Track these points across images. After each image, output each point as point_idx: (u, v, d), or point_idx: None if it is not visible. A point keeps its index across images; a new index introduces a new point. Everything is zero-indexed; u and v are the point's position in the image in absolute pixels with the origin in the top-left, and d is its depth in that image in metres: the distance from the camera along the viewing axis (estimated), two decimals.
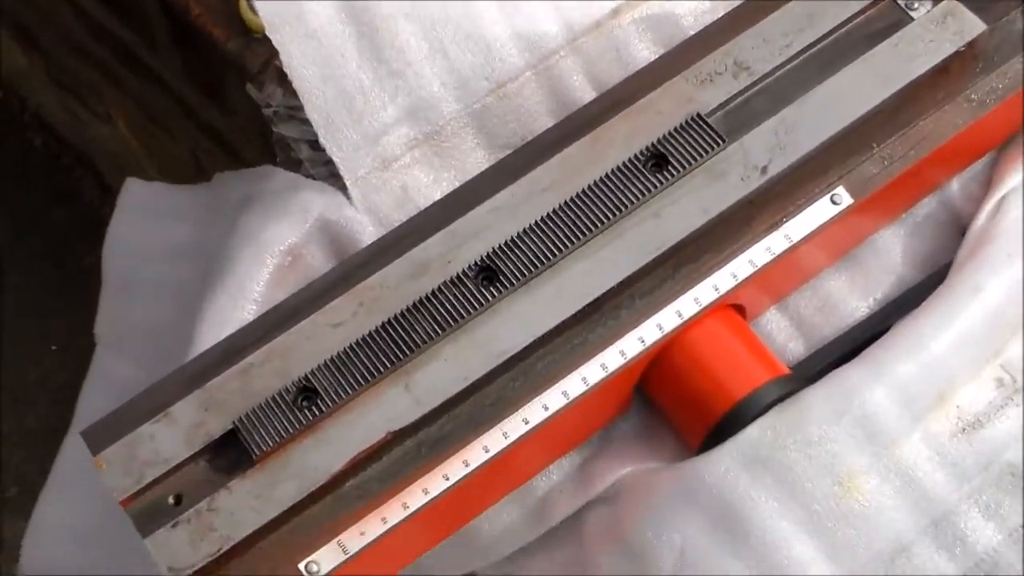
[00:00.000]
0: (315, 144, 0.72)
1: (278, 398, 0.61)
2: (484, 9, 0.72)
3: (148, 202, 0.82)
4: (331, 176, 0.72)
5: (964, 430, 0.63)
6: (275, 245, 0.70)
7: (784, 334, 0.69)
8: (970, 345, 0.64)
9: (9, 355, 1.47)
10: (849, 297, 0.70)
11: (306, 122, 0.72)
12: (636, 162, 0.66)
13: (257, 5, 0.70)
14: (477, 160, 0.72)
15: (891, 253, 0.71)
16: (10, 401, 1.44)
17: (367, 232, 0.71)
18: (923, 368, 0.63)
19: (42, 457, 1.43)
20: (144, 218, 0.83)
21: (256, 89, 0.73)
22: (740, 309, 0.67)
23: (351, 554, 0.60)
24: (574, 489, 0.67)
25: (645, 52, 0.74)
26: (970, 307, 0.64)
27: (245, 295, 0.69)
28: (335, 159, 0.70)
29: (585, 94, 0.73)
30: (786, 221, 0.66)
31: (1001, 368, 0.64)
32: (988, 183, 0.71)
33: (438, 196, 0.70)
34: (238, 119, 0.80)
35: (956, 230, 0.71)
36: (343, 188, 0.71)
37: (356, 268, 0.65)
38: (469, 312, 0.63)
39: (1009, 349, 0.65)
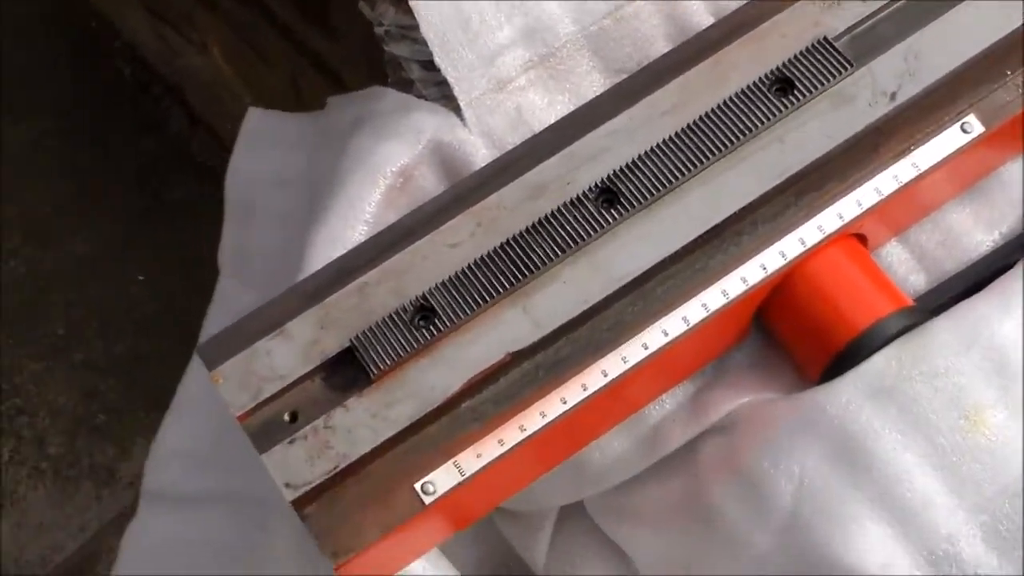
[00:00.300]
0: (427, 64, 0.71)
1: (395, 317, 0.61)
2: None
3: (268, 130, 0.82)
4: (443, 97, 0.71)
5: None
6: (387, 166, 0.69)
7: (905, 266, 0.68)
8: None
9: (97, 284, 1.48)
10: (973, 230, 0.68)
11: (418, 41, 0.71)
12: (760, 86, 0.64)
13: None
14: (592, 84, 0.71)
15: (1018, 186, 0.68)
16: (99, 328, 1.46)
17: (480, 154, 0.70)
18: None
19: (128, 385, 1.46)
20: (264, 146, 0.83)
21: (368, 7, 0.72)
22: (862, 239, 0.65)
23: (467, 476, 0.59)
24: (688, 418, 0.66)
25: None
26: None
27: (356, 216, 0.69)
28: (449, 79, 0.69)
29: (704, 19, 0.71)
30: (914, 149, 0.64)
31: None
32: None
33: (553, 119, 0.69)
34: (343, 43, 0.79)
35: None
36: (456, 109, 0.70)
37: (472, 189, 0.64)
38: (589, 234, 0.62)
39: None
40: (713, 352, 0.66)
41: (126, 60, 1.53)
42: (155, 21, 1.27)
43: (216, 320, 0.84)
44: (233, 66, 1.14)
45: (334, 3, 0.76)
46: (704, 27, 0.70)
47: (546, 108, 0.70)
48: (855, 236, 0.65)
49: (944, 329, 0.61)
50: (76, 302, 1.46)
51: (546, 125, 0.69)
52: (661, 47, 0.71)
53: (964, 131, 0.64)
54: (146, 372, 1.44)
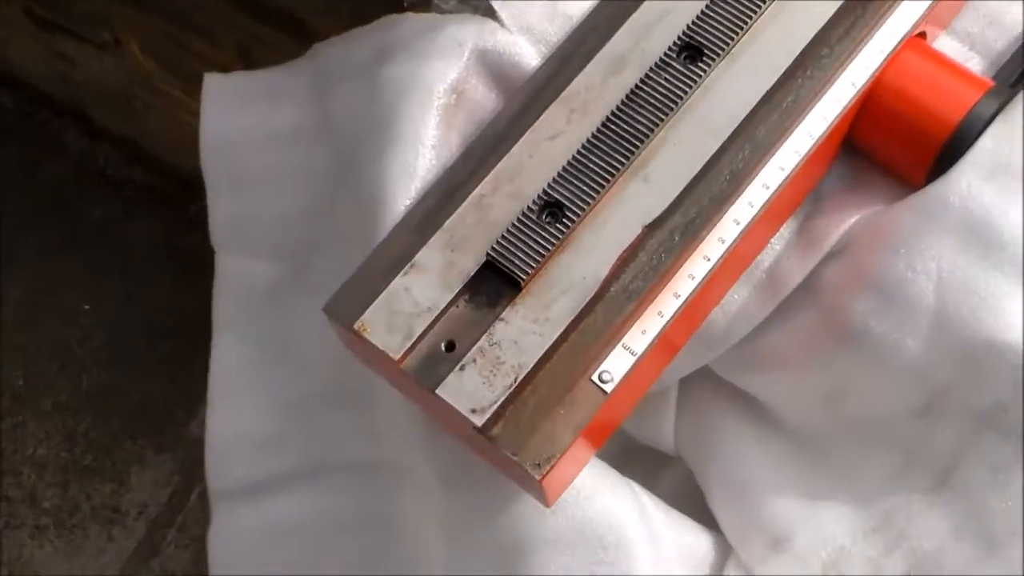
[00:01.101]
0: None
1: (523, 219, 0.60)
2: None
3: (236, 93, 0.78)
4: (466, 6, 0.69)
5: None
6: (438, 85, 0.67)
7: (960, 55, 0.69)
8: None
9: (44, 324, 1.42)
10: (1009, 6, 0.69)
11: None
12: None
13: None
14: None
15: None
16: (59, 368, 1.40)
17: (526, 53, 0.68)
18: None
19: (106, 418, 1.40)
20: (237, 111, 0.78)
21: None
22: (923, 37, 0.67)
23: (638, 355, 0.59)
24: (801, 252, 0.66)
25: None
26: None
27: (423, 141, 0.66)
28: None
29: None
30: None
31: None
32: None
33: (587, 3, 0.68)
34: None
35: None
36: (490, 12, 0.68)
37: (547, 81, 0.63)
38: (685, 92, 0.61)
39: None
40: (814, 181, 0.66)
41: (6, 90, 1.46)
42: (49, 38, 1.21)
43: (227, 298, 0.80)
44: (156, 58, 1.09)
45: None
46: None
47: None
48: (919, 36, 0.66)
49: None
50: (28, 347, 1.39)
51: (581, 10, 0.68)
52: None
53: None
54: (119, 400, 1.39)
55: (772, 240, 0.67)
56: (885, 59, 0.63)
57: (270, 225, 0.78)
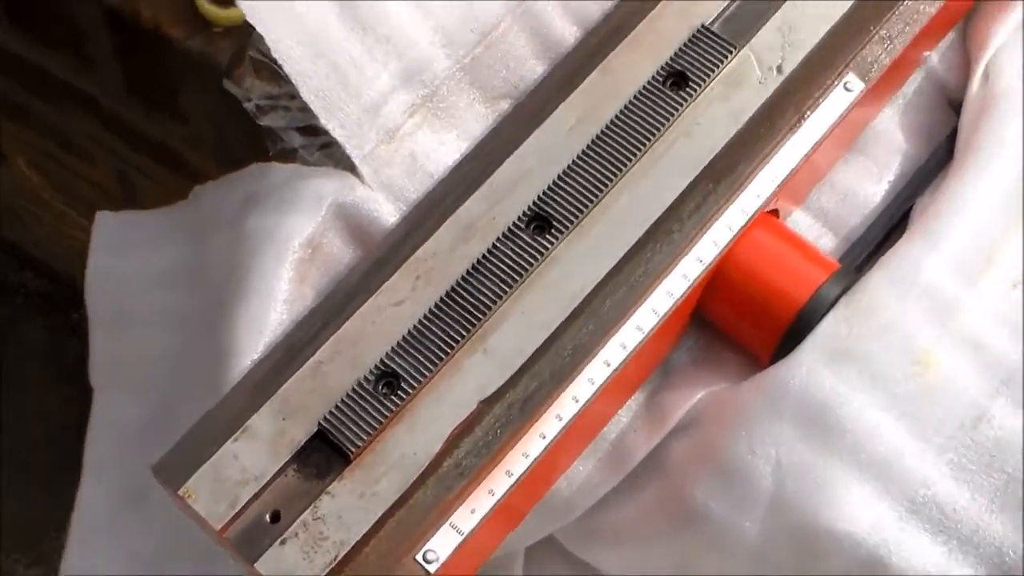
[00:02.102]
0: (306, 129, 0.69)
1: (359, 389, 0.59)
2: None
3: (124, 232, 0.78)
4: (330, 159, 0.69)
5: (1015, 286, 0.65)
6: (293, 239, 0.67)
7: (813, 231, 0.70)
8: (1005, 200, 0.65)
9: None
10: (865, 183, 0.70)
11: (290, 109, 0.69)
12: (655, 84, 0.65)
13: None
14: (477, 115, 0.70)
15: (892, 134, 0.71)
16: None
17: (384, 209, 0.68)
18: (968, 231, 0.64)
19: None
20: (123, 250, 0.78)
21: (234, 84, 0.69)
22: (775, 214, 0.67)
23: (465, 534, 0.58)
24: (649, 426, 0.66)
25: None
26: (995, 164, 0.66)
27: (275, 296, 0.66)
28: (339, 138, 0.67)
29: (567, 30, 0.71)
30: (809, 115, 0.66)
31: None
32: (964, 51, 0.72)
33: (447, 159, 0.68)
34: (194, 126, 0.76)
35: (944, 101, 0.72)
36: (351, 167, 0.68)
37: (398, 244, 0.63)
38: (530, 264, 0.61)
39: None
40: (662, 354, 0.66)
41: None
42: None
43: (102, 440, 0.79)
44: (41, 174, 1.08)
45: (181, 85, 0.73)
46: (568, 37, 0.71)
47: (439, 148, 0.69)
48: (771, 212, 0.66)
49: (878, 281, 0.63)
50: None
51: (441, 166, 0.68)
52: (532, 66, 0.71)
53: (847, 90, 0.66)
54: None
55: (620, 412, 0.66)
56: (734, 236, 0.63)
57: (143, 366, 0.78)
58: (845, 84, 0.66)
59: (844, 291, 0.64)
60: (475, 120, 0.70)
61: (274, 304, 0.66)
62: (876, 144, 0.71)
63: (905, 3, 0.68)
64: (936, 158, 0.70)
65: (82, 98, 0.87)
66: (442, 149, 0.70)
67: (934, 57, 0.73)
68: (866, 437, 0.62)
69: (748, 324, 0.65)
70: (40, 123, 0.97)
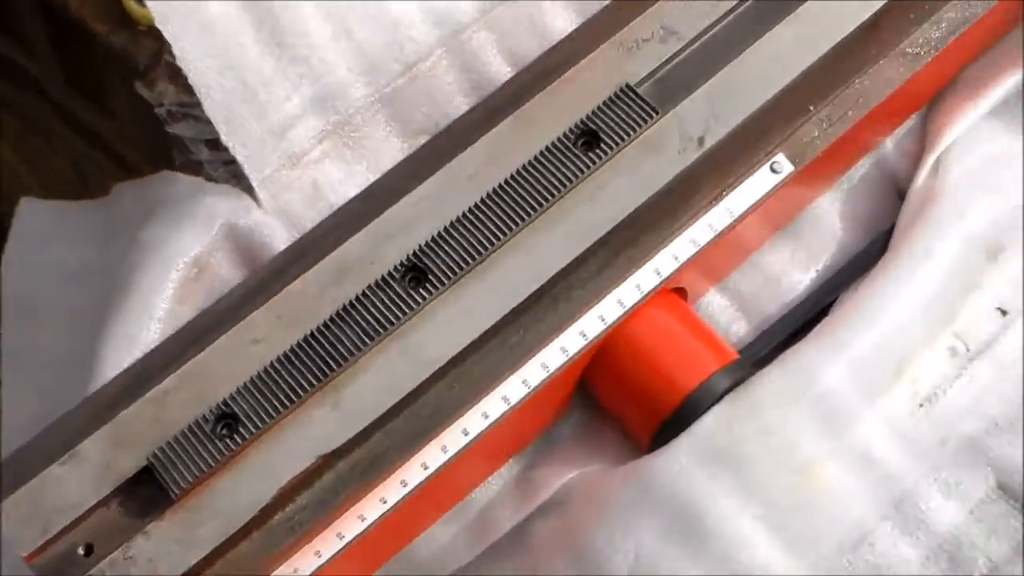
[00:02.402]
0: (214, 143, 0.67)
1: (195, 428, 0.56)
2: None
3: (44, 223, 0.75)
4: (234, 177, 0.66)
5: (921, 405, 0.60)
6: (179, 257, 0.64)
7: (727, 315, 0.66)
8: (924, 313, 0.61)
9: None
10: (791, 270, 0.66)
11: (202, 120, 0.66)
12: (565, 141, 0.61)
13: None
14: (392, 149, 0.67)
15: (829, 220, 0.67)
16: None
17: (278, 235, 0.65)
18: (878, 341, 0.60)
19: None
20: (41, 240, 0.76)
21: (146, 87, 0.67)
22: (682, 292, 0.63)
23: None
24: (517, 499, 0.63)
25: (563, 22, 0.69)
26: (921, 272, 0.61)
27: (150, 313, 0.64)
28: (239, 158, 0.65)
29: (501, 70, 0.68)
30: (727, 194, 0.61)
31: (954, 336, 0.62)
32: (921, 139, 0.68)
33: (352, 191, 0.65)
34: (121, 122, 0.74)
35: (893, 190, 0.68)
36: (249, 189, 0.65)
37: (273, 276, 0.60)
38: (398, 317, 0.58)
39: (961, 315, 0.62)
40: (538, 427, 0.63)
41: None
42: None
43: (8, 435, 0.78)
44: (18, 152, 1.07)
45: (107, 79, 0.71)
46: (501, 77, 0.68)
47: (345, 180, 0.66)
48: (675, 291, 0.62)
49: (772, 382, 0.59)
50: None
51: (346, 198, 0.65)
52: (459, 103, 0.68)
53: (774, 171, 0.62)
54: None
55: (490, 480, 0.63)
56: (624, 314, 0.60)
57: (45, 362, 0.75)
58: (772, 165, 0.62)
59: (734, 385, 0.60)
60: (389, 154, 0.67)
61: (149, 321, 0.64)
62: (811, 229, 0.67)
63: (853, 85, 0.64)
64: (872, 251, 0.66)
65: (36, 82, 0.85)
66: (349, 181, 0.67)
67: (888, 143, 0.69)
68: (733, 546, 0.57)
69: (630, 406, 0.61)
70: (9, 103, 0.95)
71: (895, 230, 0.64)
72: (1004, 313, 0.63)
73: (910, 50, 0.65)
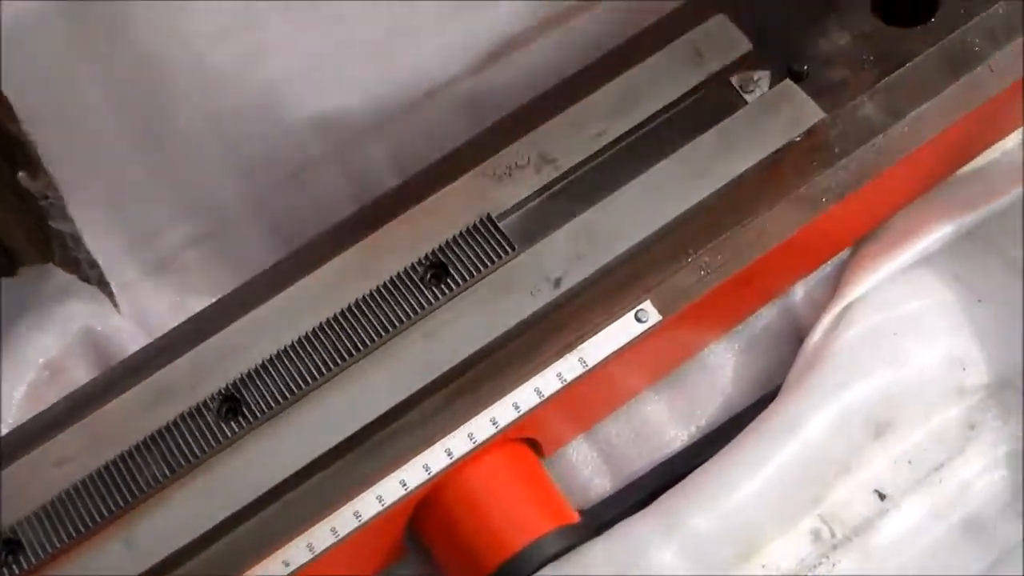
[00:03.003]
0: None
1: None
2: (285, 90, 0.64)
3: None
4: (101, 280, 0.65)
5: None
6: (35, 358, 0.63)
7: (591, 467, 0.61)
8: (783, 492, 0.55)
9: None
10: (668, 424, 0.61)
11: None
12: (414, 272, 0.57)
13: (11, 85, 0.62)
14: (265, 258, 0.64)
15: (721, 371, 0.62)
16: None
17: (136, 344, 0.63)
18: (723, 520, 0.54)
19: None
20: None
21: (28, 177, 0.66)
22: (533, 442, 0.59)
23: None
24: None
25: (462, 136, 0.66)
26: (785, 448, 0.55)
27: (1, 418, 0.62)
28: (100, 262, 0.63)
29: (388, 180, 0.65)
30: (581, 343, 0.57)
31: (819, 519, 0.56)
32: (833, 290, 0.62)
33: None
34: (8, 212, 0.73)
35: (797, 344, 0.62)
36: (111, 294, 0.64)
37: (90, 395, 0.58)
38: (205, 450, 0.55)
39: (831, 496, 0.56)
40: (363, 573, 0.59)
41: None
42: None
43: None
44: None
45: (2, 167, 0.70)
46: (389, 186, 0.64)
47: (210, 289, 0.64)
48: (524, 440, 0.58)
49: (600, 554, 0.54)
50: None
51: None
52: (342, 207, 0.65)
53: (639, 320, 0.57)
54: None
55: None
56: (453, 463, 0.55)
57: None
58: (638, 312, 0.57)
59: (565, 550, 0.55)
60: (265, 261, 0.65)
61: None
62: (697, 380, 0.62)
63: (740, 230, 0.58)
64: (759, 408, 0.60)
65: None
66: (217, 290, 0.64)
67: (798, 291, 0.63)
68: None
69: (453, 562, 0.57)
70: None
71: (780, 392, 0.59)
72: (882, 497, 0.57)
73: (811, 194, 0.59)
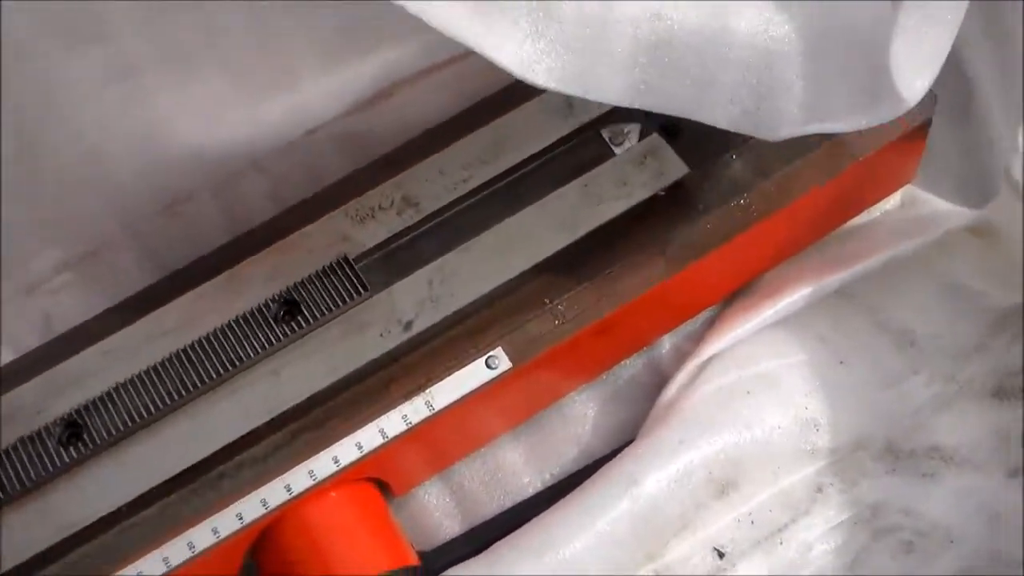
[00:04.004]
0: None
1: None
2: (165, 128, 0.64)
3: None
4: None
5: None
6: None
7: (441, 509, 0.61)
8: (615, 547, 0.55)
9: None
10: (523, 471, 0.61)
11: None
12: (266, 309, 0.58)
13: None
14: (137, 285, 0.64)
15: (581, 421, 0.62)
16: None
17: None
18: (553, 572, 0.54)
19: None
20: None
21: None
22: (382, 483, 0.58)
23: None
24: None
25: (341, 173, 0.66)
26: (621, 502, 0.55)
27: None
28: None
29: (265, 209, 0.65)
30: (430, 386, 0.57)
31: (656, 573, 0.56)
32: (696, 344, 0.62)
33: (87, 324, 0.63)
34: None
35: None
36: None
37: None
38: (41, 474, 0.55)
39: (669, 553, 0.56)
40: None
41: None
42: None
43: None
44: None
45: None
46: (258, 215, 0.65)
47: (81, 313, 0.64)
48: (371, 480, 0.58)
49: None
50: None
51: (80, 331, 0.63)
52: (219, 240, 0.65)
53: (489, 366, 0.57)
54: None
55: None
56: (292, 499, 0.55)
57: None
58: (488, 359, 0.57)
59: None
60: (137, 289, 0.65)
61: None
62: (556, 428, 0.62)
63: (599, 281, 0.58)
64: (612, 458, 0.60)
65: None
66: (87, 314, 0.64)
67: (666, 343, 0.63)
68: None
69: None
70: None
71: (629, 446, 0.59)
72: (721, 555, 0.56)
73: (671, 251, 0.59)
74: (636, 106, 0.53)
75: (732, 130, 0.54)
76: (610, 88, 0.52)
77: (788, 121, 0.52)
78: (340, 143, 0.66)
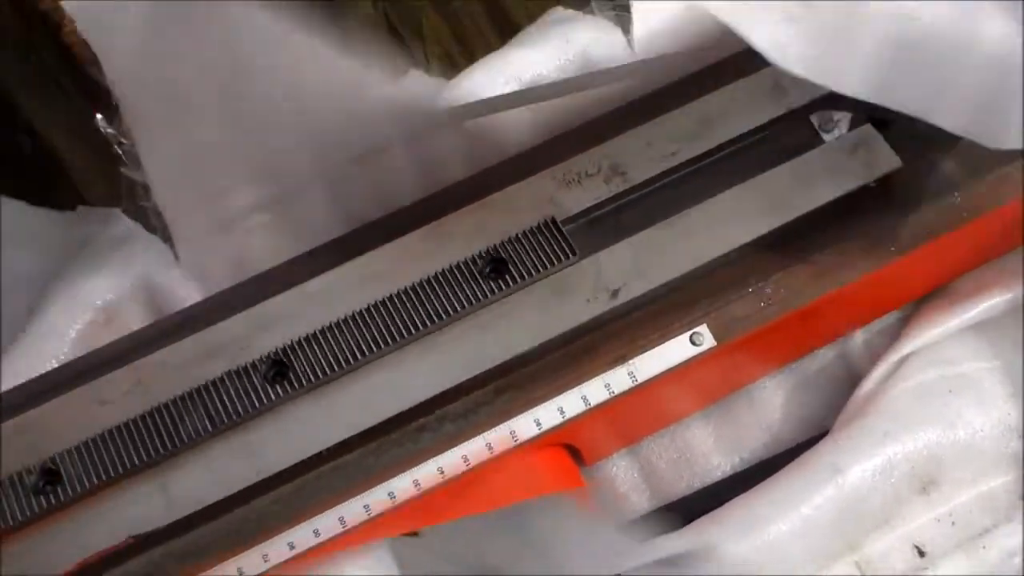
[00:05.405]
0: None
1: (17, 479, 0.55)
2: (364, 76, 0.64)
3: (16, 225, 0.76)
4: (165, 232, 0.65)
5: None
6: (92, 299, 0.64)
7: (629, 483, 0.61)
8: (820, 533, 0.55)
9: None
10: (712, 452, 0.61)
11: None
12: (472, 265, 0.58)
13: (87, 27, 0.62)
14: (329, 232, 0.65)
15: (770, 408, 0.62)
16: None
17: (192, 298, 0.64)
18: (756, 553, 0.54)
19: None
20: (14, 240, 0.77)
21: (105, 122, 0.67)
22: (574, 450, 0.59)
23: None
24: None
25: (528, 138, 0.66)
26: (825, 490, 0.55)
27: (49, 351, 0.63)
28: (166, 216, 0.63)
29: (458, 175, 0.65)
30: (633, 357, 0.57)
31: (856, 565, 0.55)
32: (892, 340, 0.62)
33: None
34: (87, 151, 0.74)
35: (851, 390, 0.62)
36: (174, 247, 0.64)
37: (144, 340, 0.59)
38: (247, 411, 0.55)
39: (868, 545, 0.55)
40: None
41: None
42: None
43: None
44: None
45: (73, 105, 0.71)
46: (455, 173, 0.65)
47: (272, 253, 0.64)
48: (565, 446, 0.58)
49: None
50: None
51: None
52: (409, 194, 0.65)
53: (694, 343, 0.57)
54: None
55: None
56: (491, 457, 0.55)
57: None
58: (693, 335, 0.57)
59: None
60: (323, 236, 0.65)
61: (47, 359, 0.63)
62: (745, 412, 0.62)
63: (805, 267, 0.58)
64: (805, 449, 0.60)
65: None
66: (276, 256, 0.64)
67: (858, 337, 0.63)
68: None
69: None
70: None
71: (828, 434, 0.59)
72: (922, 554, 0.56)
73: (878, 244, 0.59)
74: (873, 101, 0.52)
75: (958, 134, 0.54)
76: (851, 81, 0.51)
77: (1016, 133, 0.52)
78: (535, 111, 0.66)
